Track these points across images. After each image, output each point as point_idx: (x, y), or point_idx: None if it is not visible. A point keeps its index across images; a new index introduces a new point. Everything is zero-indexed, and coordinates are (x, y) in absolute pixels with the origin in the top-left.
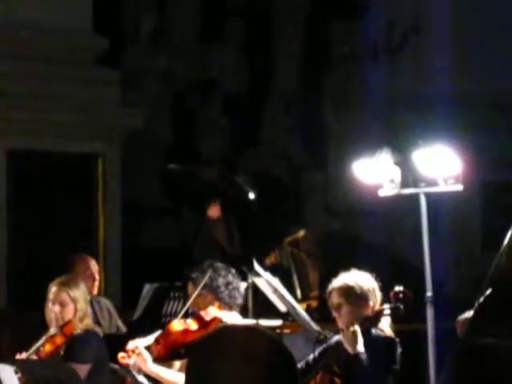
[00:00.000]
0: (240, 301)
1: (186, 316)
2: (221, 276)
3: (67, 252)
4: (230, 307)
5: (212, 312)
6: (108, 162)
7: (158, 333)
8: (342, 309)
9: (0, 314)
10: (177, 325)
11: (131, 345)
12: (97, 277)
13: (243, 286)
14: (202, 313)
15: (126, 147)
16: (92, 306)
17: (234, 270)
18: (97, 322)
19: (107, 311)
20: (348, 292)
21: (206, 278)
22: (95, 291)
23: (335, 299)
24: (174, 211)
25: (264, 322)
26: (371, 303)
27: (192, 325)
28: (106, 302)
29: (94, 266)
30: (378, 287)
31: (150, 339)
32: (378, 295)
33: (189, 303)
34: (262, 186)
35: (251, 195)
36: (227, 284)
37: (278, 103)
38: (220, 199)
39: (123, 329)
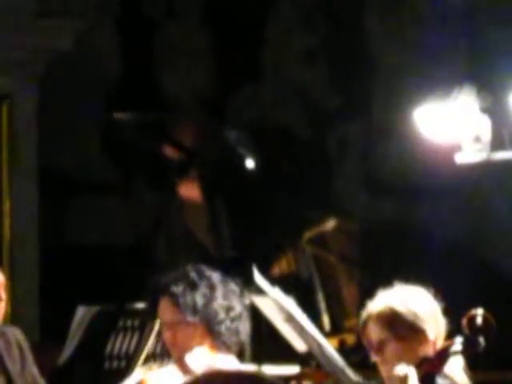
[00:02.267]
0: (243, 337)
1: (149, 358)
2: (219, 295)
3: None
4: (227, 349)
5: (203, 357)
6: (16, 110)
7: None
8: (385, 347)
9: None
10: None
11: None
12: (3, 294)
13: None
14: (188, 358)
15: (46, 85)
16: None
17: (234, 285)
18: (2, 366)
19: (18, 349)
20: (394, 321)
21: (199, 299)
22: (0, 317)
23: (374, 333)
24: (123, 188)
25: (270, 369)
26: (432, 336)
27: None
28: (15, 335)
29: None
30: (440, 311)
31: None
32: (442, 323)
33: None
34: (265, 147)
35: (249, 162)
36: (228, 310)
37: (290, 12)
38: (198, 169)
39: (40, 381)
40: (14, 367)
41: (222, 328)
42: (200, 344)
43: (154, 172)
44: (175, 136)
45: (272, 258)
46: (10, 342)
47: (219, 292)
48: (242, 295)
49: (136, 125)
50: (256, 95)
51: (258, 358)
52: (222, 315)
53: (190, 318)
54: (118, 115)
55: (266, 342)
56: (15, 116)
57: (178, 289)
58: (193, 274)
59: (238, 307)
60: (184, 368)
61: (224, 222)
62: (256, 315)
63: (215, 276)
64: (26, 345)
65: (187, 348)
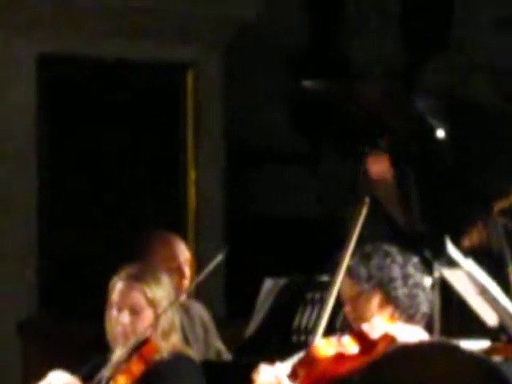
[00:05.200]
0: (425, 308)
1: (331, 331)
2: (396, 264)
3: (134, 226)
4: (408, 317)
5: (380, 325)
6: (202, 77)
7: (294, 359)
8: None
9: (27, 324)
10: (324, 348)
11: (267, 374)
12: (187, 271)
13: (427, 283)
14: (365, 326)
15: (232, 54)
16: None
17: (415, 258)
18: (185, 340)
19: (201, 324)
20: None
21: (374, 267)
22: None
23: None
24: (311, 158)
25: (461, 343)
26: None
27: (349, 346)
28: (198, 310)
29: (182, 251)
30: None
31: (284, 368)
32: None
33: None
34: (455, 116)
35: (439, 132)
36: (406, 277)
37: None
38: (388, 139)
39: (225, 355)
40: (197, 342)
41: (400, 294)
42: (380, 313)
43: (344, 141)
44: (365, 104)
45: (463, 231)
46: (193, 318)
47: (396, 261)
48: (422, 268)
49: (326, 93)
50: (445, 64)
51: (449, 332)
52: (398, 281)
53: (365, 286)
54: (307, 83)
55: (455, 316)
56: (200, 84)
57: (352, 261)
58: (368, 247)
59: (417, 276)
60: (361, 339)
61: (414, 194)
62: (447, 288)
63: (392, 248)
64: (209, 320)
65: (368, 319)
